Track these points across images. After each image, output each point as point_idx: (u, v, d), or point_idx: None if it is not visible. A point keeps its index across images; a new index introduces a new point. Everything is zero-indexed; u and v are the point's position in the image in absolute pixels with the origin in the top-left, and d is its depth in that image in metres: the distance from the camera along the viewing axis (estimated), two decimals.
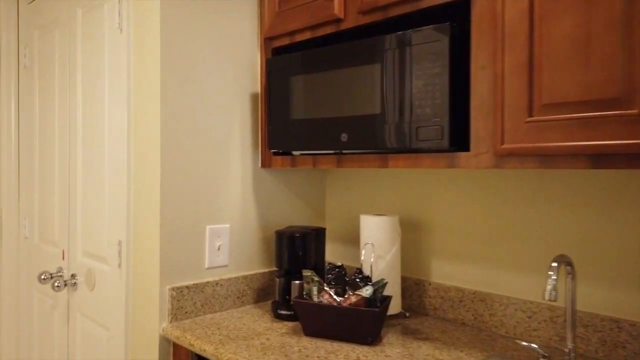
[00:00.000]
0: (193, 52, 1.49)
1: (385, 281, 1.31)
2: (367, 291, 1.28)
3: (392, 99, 1.22)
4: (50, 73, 2.02)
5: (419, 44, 1.16)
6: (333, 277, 1.39)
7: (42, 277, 1.90)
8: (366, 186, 1.75)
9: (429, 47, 1.14)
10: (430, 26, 1.14)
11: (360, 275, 1.38)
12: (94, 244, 1.74)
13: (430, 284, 1.54)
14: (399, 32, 1.20)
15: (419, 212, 1.59)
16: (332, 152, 1.40)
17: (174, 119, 1.45)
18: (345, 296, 1.32)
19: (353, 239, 1.79)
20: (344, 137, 1.34)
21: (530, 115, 1.01)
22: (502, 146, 1.05)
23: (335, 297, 1.31)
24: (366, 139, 1.28)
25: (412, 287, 1.58)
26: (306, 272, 1.35)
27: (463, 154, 1.14)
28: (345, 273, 1.39)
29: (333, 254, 1.86)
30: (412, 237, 1.61)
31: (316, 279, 1.34)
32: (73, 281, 1.85)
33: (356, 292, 1.29)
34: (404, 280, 1.60)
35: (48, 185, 2.04)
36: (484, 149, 1.10)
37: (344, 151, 1.37)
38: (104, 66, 1.68)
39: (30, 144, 2.17)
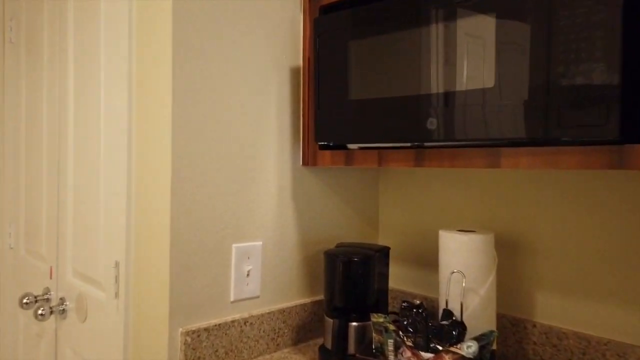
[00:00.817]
0: (215, 15, 1.09)
1: (495, 333, 0.90)
2: (469, 349, 0.87)
3: (516, 65, 0.81)
4: (38, 49, 1.64)
5: None
6: (410, 321, 0.99)
7: (25, 300, 1.52)
8: (436, 190, 1.35)
9: None
10: None
11: (450, 319, 0.98)
12: (86, 263, 1.36)
13: (534, 326, 1.13)
14: None
15: (516, 227, 1.18)
16: (409, 144, 1.00)
17: (190, 104, 1.06)
18: (431, 349, 0.92)
19: (418, 260, 1.39)
20: (432, 123, 0.93)
21: None
22: None
23: (420, 353, 0.91)
24: (469, 125, 0.88)
25: (508, 328, 1.17)
26: (377, 318, 0.95)
27: None
28: (427, 315, 0.99)
29: (391, 278, 1.45)
30: (506, 261, 1.20)
31: (392, 328, 0.93)
32: (61, 307, 1.46)
33: (452, 349, 0.89)
34: (497, 318, 1.19)
35: (35, 185, 1.66)
36: None
37: (426, 143, 0.97)
38: (99, 37, 1.29)
39: (15, 135, 1.80)
